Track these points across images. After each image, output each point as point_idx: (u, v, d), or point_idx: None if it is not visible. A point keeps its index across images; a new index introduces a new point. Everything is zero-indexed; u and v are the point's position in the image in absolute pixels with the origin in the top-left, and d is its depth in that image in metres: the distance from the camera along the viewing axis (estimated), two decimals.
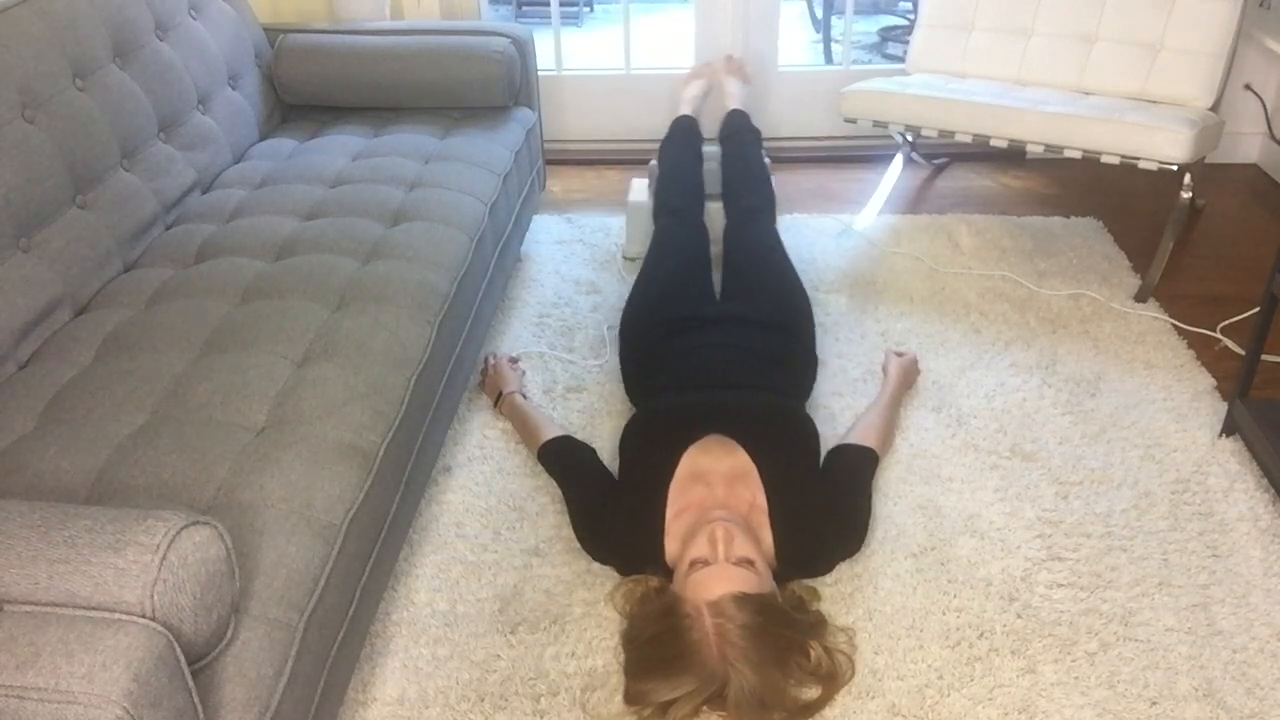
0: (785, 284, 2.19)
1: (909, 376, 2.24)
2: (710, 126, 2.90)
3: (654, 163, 2.74)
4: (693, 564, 1.55)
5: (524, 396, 2.19)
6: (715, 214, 2.55)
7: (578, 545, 1.82)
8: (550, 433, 2.02)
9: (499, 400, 2.19)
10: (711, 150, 2.75)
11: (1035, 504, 1.93)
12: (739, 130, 2.75)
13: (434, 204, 2.13)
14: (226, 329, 1.69)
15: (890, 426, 2.07)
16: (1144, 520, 1.89)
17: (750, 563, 1.55)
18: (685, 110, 2.91)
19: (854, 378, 2.30)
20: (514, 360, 2.32)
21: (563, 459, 1.95)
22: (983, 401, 2.21)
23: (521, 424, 2.11)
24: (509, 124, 2.59)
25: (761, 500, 1.69)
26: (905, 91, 2.74)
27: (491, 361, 2.29)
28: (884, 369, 2.26)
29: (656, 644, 1.50)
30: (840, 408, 2.20)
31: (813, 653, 1.54)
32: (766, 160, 2.67)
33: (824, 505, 1.75)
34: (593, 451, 1.95)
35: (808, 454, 1.81)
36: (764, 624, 1.47)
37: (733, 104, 2.93)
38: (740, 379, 1.91)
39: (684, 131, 2.78)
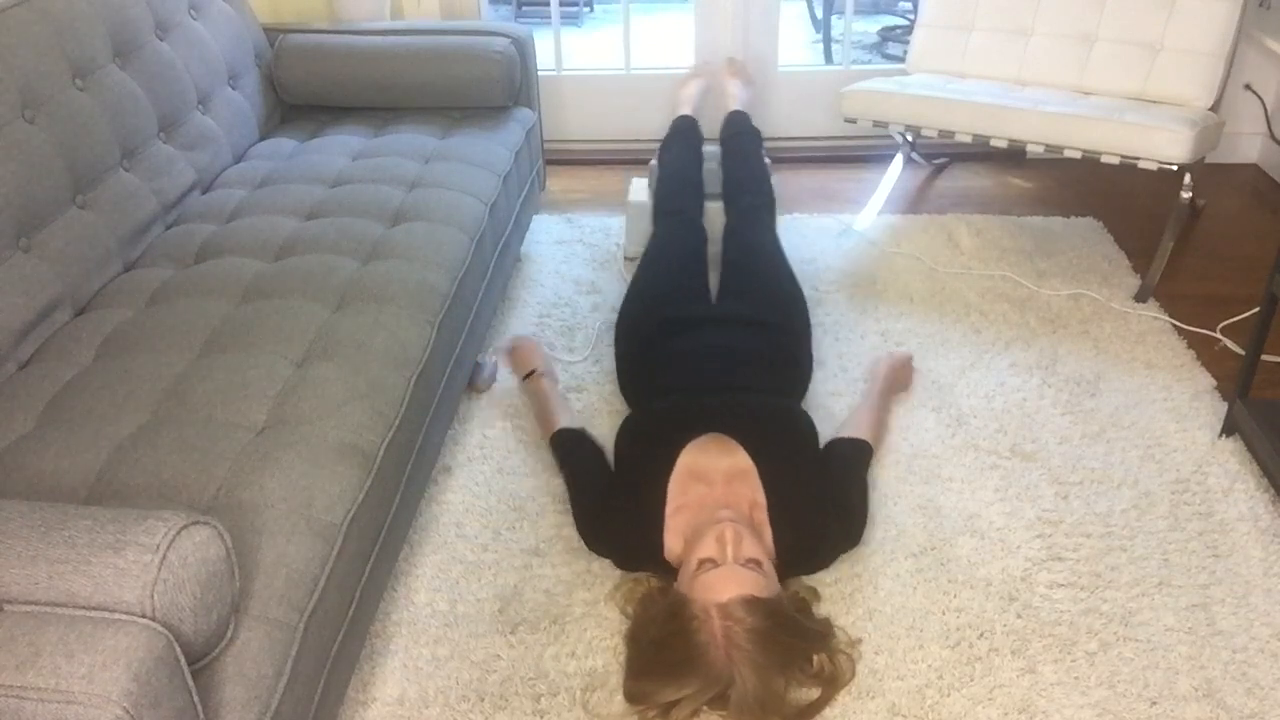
0: (781, 284, 2.19)
1: (897, 375, 2.23)
2: (710, 127, 2.90)
3: (654, 162, 2.74)
4: (701, 564, 1.55)
5: (554, 380, 2.21)
6: (715, 214, 2.55)
7: (578, 545, 1.82)
8: (566, 421, 2.03)
9: (529, 376, 2.20)
10: (712, 150, 2.75)
11: (1035, 504, 1.93)
12: (740, 131, 2.76)
13: (434, 204, 2.13)
14: (226, 329, 1.69)
15: (880, 422, 2.06)
16: (1144, 520, 1.89)
17: (758, 564, 1.55)
18: (684, 110, 2.91)
19: (854, 378, 2.30)
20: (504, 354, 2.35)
21: (572, 449, 1.95)
22: (983, 401, 2.21)
23: (542, 405, 2.12)
24: (509, 124, 2.59)
25: (762, 499, 1.69)
26: (905, 91, 2.74)
27: (518, 340, 2.32)
28: (872, 369, 2.25)
29: (663, 644, 1.50)
30: (840, 408, 2.20)
31: (815, 658, 1.55)
32: (767, 161, 2.68)
33: (822, 499, 1.75)
34: (602, 450, 1.95)
35: (807, 452, 1.81)
36: (772, 629, 1.47)
37: (734, 105, 2.93)
38: (736, 379, 1.91)
39: (684, 132, 2.78)
